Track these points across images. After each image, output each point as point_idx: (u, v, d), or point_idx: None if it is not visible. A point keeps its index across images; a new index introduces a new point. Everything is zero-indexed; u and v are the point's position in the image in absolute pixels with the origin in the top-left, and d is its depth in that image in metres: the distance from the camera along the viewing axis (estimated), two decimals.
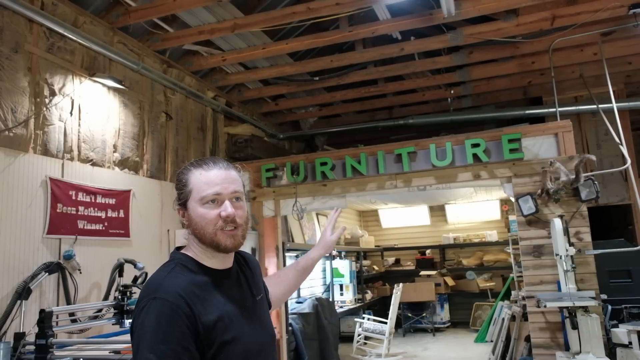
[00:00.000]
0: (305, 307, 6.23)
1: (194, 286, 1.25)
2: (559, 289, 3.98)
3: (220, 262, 1.36)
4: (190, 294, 1.22)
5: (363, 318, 7.18)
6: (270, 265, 5.51)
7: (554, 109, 5.40)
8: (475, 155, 4.79)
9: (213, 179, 1.31)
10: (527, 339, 4.93)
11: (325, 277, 8.48)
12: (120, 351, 2.61)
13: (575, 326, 3.56)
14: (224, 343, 1.22)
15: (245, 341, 1.28)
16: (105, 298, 3.54)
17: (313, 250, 1.80)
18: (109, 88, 4.09)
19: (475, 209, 9.64)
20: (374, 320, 7.01)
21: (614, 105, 4.72)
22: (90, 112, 3.88)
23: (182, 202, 1.34)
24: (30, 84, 3.38)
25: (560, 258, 3.80)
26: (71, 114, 3.69)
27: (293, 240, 6.72)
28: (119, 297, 3.23)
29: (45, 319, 2.64)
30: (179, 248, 1.40)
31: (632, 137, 5.80)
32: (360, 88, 6.24)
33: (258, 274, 1.54)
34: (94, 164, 3.85)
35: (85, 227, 3.63)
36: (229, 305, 1.29)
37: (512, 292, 6.47)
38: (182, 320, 1.16)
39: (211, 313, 1.23)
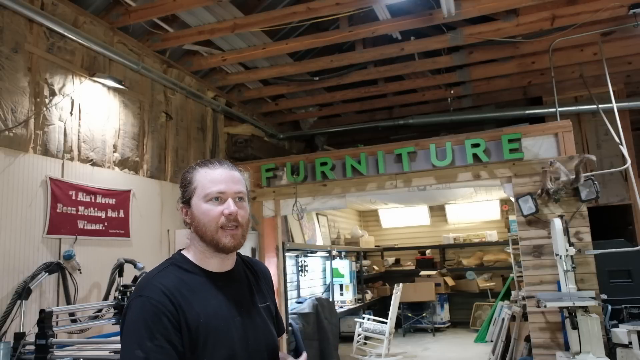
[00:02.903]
0: (305, 307, 6.23)
1: (182, 285, 1.26)
2: (559, 289, 3.98)
3: (219, 263, 1.36)
4: (176, 293, 1.23)
5: (363, 318, 7.17)
6: (271, 266, 5.51)
7: (554, 109, 5.40)
8: (475, 155, 4.79)
9: (217, 177, 1.34)
10: (527, 339, 4.93)
11: (325, 277, 8.48)
12: None
13: (575, 326, 3.56)
14: (206, 345, 1.22)
15: (231, 345, 1.25)
16: (105, 298, 3.54)
17: None
18: (109, 88, 4.08)
19: (475, 209, 9.63)
20: (374, 320, 7.00)
21: (614, 105, 4.72)
22: (90, 112, 3.88)
23: (186, 199, 1.36)
24: (30, 84, 3.38)
25: (560, 258, 3.80)
26: (71, 114, 3.69)
27: (293, 240, 6.72)
28: (119, 297, 3.23)
29: (45, 319, 2.64)
30: (181, 250, 1.41)
31: (632, 137, 5.80)
32: (360, 88, 6.24)
33: (265, 283, 1.51)
34: (94, 164, 3.85)
35: (85, 227, 3.63)
36: (219, 308, 1.29)
37: (512, 292, 6.47)
38: (166, 317, 1.19)
39: (196, 314, 1.23)
